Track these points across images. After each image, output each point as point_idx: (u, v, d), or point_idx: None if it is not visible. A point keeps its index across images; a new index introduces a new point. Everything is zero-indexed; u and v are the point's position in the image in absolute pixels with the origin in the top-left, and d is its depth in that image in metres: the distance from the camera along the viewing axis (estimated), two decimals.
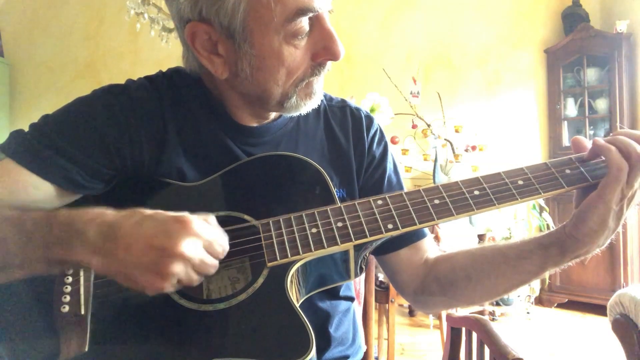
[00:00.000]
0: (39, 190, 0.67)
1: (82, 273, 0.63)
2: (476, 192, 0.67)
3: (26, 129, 0.71)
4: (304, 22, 0.66)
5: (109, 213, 0.58)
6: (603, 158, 0.66)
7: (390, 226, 0.66)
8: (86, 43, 4.34)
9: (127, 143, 0.72)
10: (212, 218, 0.61)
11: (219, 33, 0.67)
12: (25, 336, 0.61)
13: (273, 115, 0.81)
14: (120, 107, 0.72)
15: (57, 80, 4.32)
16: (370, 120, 0.88)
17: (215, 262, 0.59)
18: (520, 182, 0.68)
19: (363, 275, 2.00)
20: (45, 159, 0.67)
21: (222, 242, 0.60)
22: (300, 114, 0.83)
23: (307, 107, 0.74)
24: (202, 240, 0.57)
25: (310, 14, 0.65)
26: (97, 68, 4.31)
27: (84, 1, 4.35)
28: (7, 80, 4.28)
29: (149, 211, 0.58)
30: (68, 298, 0.61)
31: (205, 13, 0.66)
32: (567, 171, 0.69)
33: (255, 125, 0.79)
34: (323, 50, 0.69)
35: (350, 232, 0.65)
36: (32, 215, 0.61)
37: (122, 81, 0.78)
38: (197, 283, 0.58)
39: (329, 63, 0.72)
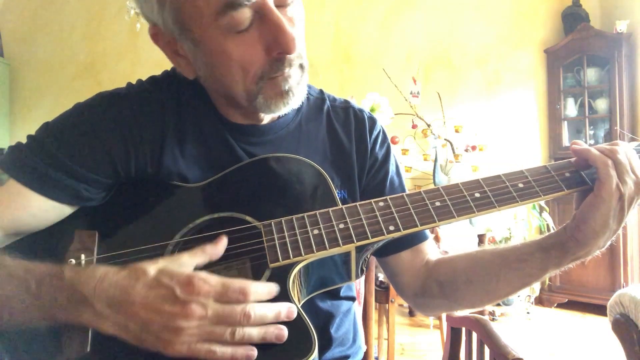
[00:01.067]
0: (46, 212, 0.68)
1: None
2: (477, 195, 0.68)
3: (27, 128, 0.71)
4: (239, 15, 0.61)
5: (111, 274, 0.56)
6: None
7: (391, 228, 0.66)
8: (86, 43, 4.34)
9: (132, 152, 0.72)
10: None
11: (167, 34, 0.67)
12: (27, 336, 0.61)
13: (269, 115, 0.79)
14: (122, 117, 0.72)
15: (57, 80, 4.31)
16: (373, 121, 0.88)
17: (242, 308, 0.54)
18: (521, 185, 0.68)
19: (363, 276, 2.00)
20: (52, 180, 0.67)
21: (238, 285, 0.55)
22: (301, 114, 0.83)
23: (280, 107, 0.70)
24: (212, 292, 0.54)
25: (240, 8, 0.61)
26: (97, 68, 4.31)
27: (84, 1, 4.35)
28: (7, 80, 4.27)
29: (152, 269, 0.55)
30: None
31: (149, 15, 0.66)
32: (567, 174, 0.69)
33: (254, 124, 0.79)
34: (273, 43, 0.64)
35: (352, 233, 0.65)
36: (35, 274, 0.58)
37: (122, 81, 0.78)
38: (232, 334, 0.54)
39: (291, 58, 0.67)
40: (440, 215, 0.67)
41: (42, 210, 0.67)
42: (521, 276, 0.73)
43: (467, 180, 0.69)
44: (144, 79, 0.80)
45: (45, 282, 0.57)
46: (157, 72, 0.83)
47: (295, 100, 0.71)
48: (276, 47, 0.64)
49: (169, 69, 0.82)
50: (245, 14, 0.62)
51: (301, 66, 0.70)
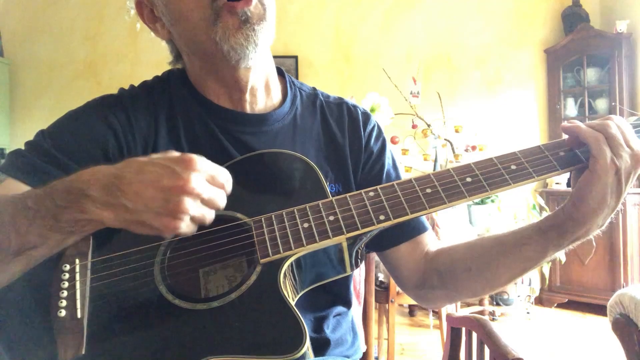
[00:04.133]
0: None
1: (77, 277, 0.63)
2: (468, 179, 0.66)
3: (27, 128, 0.72)
4: None
5: (103, 168, 0.58)
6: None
7: (382, 217, 0.65)
8: (86, 43, 4.34)
9: (125, 149, 0.73)
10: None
11: None
12: (23, 341, 0.61)
13: (249, 98, 0.79)
14: (116, 119, 0.73)
15: (57, 80, 4.31)
16: (367, 116, 0.88)
17: (223, 194, 0.59)
18: (513, 167, 0.67)
19: (363, 276, 2.00)
20: (48, 176, 0.67)
21: (224, 173, 0.59)
22: (296, 108, 0.83)
23: (244, 40, 0.69)
24: (206, 174, 0.57)
25: None
26: (97, 68, 4.31)
27: (84, 1, 4.35)
28: (7, 80, 4.27)
29: (144, 158, 0.58)
30: (64, 302, 0.61)
31: None
32: (561, 153, 0.67)
33: (243, 111, 0.79)
34: None
35: (342, 224, 0.65)
36: (30, 194, 0.60)
37: (122, 81, 0.80)
38: (210, 220, 0.58)
39: None
40: (430, 202, 0.65)
41: None
42: (521, 260, 0.72)
43: (458, 165, 0.68)
44: (143, 79, 0.82)
45: (39, 195, 0.58)
46: (157, 72, 0.85)
47: (258, 38, 0.70)
48: None
49: (168, 69, 0.83)
50: None
51: (262, 3, 0.70)
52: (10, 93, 4.30)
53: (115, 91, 0.80)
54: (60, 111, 0.76)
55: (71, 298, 0.61)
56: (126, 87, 0.81)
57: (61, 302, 0.61)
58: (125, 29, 4.10)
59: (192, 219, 0.56)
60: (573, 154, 0.67)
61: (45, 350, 0.59)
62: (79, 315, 0.60)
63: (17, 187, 0.67)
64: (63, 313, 0.60)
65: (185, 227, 0.56)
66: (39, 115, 4.18)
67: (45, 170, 0.68)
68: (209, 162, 0.58)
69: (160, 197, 0.54)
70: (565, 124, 0.67)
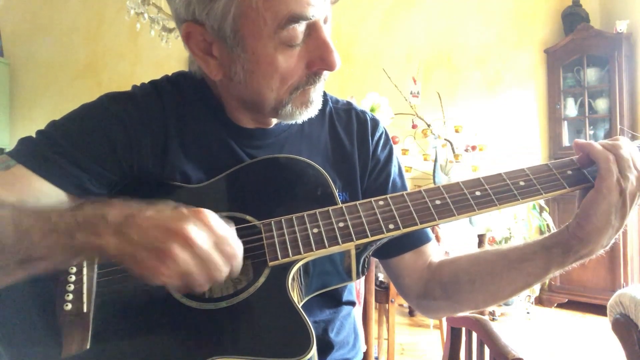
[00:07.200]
0: (49, 197, 0.67)
1: (85, 272, 0.63)
2: (477, 193, 0.68)
3: (27, 128, 0.72)
4: (297, 30, 0.64)
5: (134, 203, 0.57)
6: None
7: (391, 226, 0.66)
8: (86, 43, 4.34)
9: (136, 151, 0.72)
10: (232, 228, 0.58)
11: (211, 35, 0.66)
12: (28, 334, 0.62)
13: (275, 119, 0.80)
14: (128, 115, 0.73)
15: (57, 80, 4.31)
16: (375, 123, 0.88)
17: (224, 265, 0.54)
18: (522, 183, 0.68)
19: (363, 276, 2.00)
20: (57, 167, 0.68)
21: (235, 244, 0.56)
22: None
23: (303, 115, 0.73)
24: (213, 233, 0.54)
25: (303, 22, 0.63)
26: (97, 68, 4.31)
27: (84, 1, 4.35)
28: (7, 80, 4.28)
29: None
30: (71, 296, 0.61)
31: (198, 15, 0.65)
32: (569, 172, 0.69)
33: (258, 127, 0.79)
34: (318, 59, 0.67)
35: (352, 232, 0.65)
36: (58, 209, 0.60)
37: (122, 81, 0.79)
38: (201, 285, 0.54)
39: (326, 73, 0.70)
40: (440, 214, 0.66)
41: (46, 195, 0.67)
42: (524, 276, 0.72)
43: (467, 179, 0.69)
44: (143, 79, 0.81)
45: (65, 212, 0.57)
46: (157, 72, 0.84)
47: (315, 110, 0.74)
48: (321, 64, 0.68)
49: (168, 69, 0.82)
50: (301, 30, 0.64)
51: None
52: (10, 93, 4.30)
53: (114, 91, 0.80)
54: (60, 111, 0.76)
55: (77, 292, 0.62)
56: (125, 86, 0.80)
57: (67, 295, 0.61)
58: (125, 29, 4.09)
59: (181, 274, 0.53)
60: (581, 173, 0.69)
61: (49, 343, 0.60)
62: (84, 310, 0.61)
63: (25, 175, 0.67)
64: (69, 307, 0.61)
65: (170, 275, 0.52)
66: (39, 115, 4.18)
67: (56, 161, 0.68)
68: (224, 225, 0.56)
69: (158, 237, 0.52)
70: (578, 140, 0.69)
